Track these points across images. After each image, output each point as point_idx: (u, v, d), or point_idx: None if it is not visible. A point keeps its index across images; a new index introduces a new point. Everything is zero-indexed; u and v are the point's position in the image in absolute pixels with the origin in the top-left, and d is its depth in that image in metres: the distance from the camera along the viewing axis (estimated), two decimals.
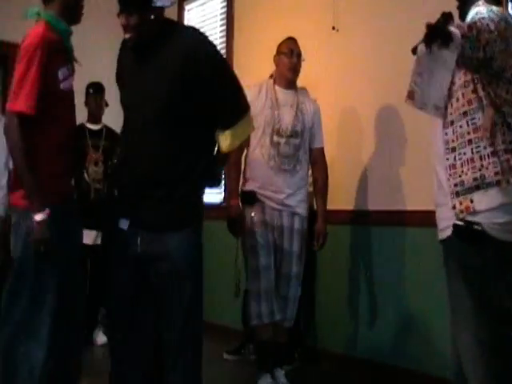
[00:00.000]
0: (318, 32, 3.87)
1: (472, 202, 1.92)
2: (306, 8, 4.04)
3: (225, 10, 4.78)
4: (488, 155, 1.93)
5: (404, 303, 3.34)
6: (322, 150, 3.30)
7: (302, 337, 3.77)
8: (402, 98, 3.33)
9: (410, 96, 2.04)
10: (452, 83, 2.01)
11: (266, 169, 3.12)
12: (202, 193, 2.23)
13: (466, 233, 1.93)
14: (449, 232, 1.98)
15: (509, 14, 2.07)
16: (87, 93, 4.29)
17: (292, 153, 3.16)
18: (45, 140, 2.26)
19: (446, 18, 1.91)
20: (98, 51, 5.28)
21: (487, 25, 1.90)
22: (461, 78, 2.00)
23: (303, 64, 3.28)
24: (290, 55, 3.21)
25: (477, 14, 1.98)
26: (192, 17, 5.23)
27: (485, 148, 1.94)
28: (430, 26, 1.88)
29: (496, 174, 1.92)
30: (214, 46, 2.19)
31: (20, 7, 4.80)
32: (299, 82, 3.30)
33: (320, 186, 3.28)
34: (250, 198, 3.14)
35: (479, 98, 1.97)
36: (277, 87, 3.24)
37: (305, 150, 3.23)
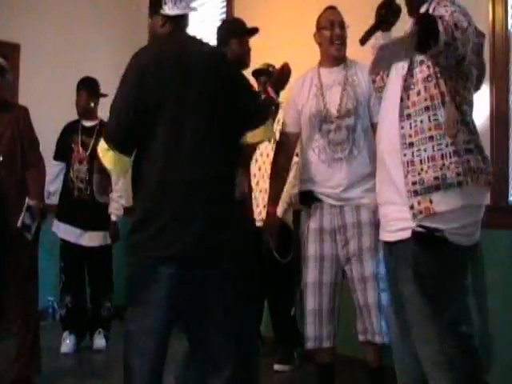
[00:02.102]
0: None
1: (431, 202, 1.83)
2: (306, 8, 4.04)
3: (225, 10, 4.78)
4: (450, 154, 1.84)
5: None
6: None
7: (301, 337, 3.76)
8: None
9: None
10: (410, 75, 1.93)
11: (318, 164, 2.75)
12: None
13: (428, 240, 1.84)
14: (403, 235, 1.89)
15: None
16: (78, 88, 4.21)
17: (345, 137, 2.71)
18: None
19: (430, 20, 1.76)
20: (98, 50, 5.28)
21: (462, 21, 1.80)
22: (423, 70, 1.91)
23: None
24: (330, 27, 2.85)
25: (439, 4, 1.87)
26: (192, 17, 5.21)
27: (446, 146, 1.84)
28: (419, 31, 1.73)
29: (458, 174, 1.83)
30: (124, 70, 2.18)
31: (20, 8, 4.79)
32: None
33: None
34: (306, 198, 2.81)
35: (442, 94, 1.88)
36: (321, 69, 2.88)
37: (364, 129, 2.74)
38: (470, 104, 1.96)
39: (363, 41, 2.11)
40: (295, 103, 2.90)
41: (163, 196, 2.09)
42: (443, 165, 1.83)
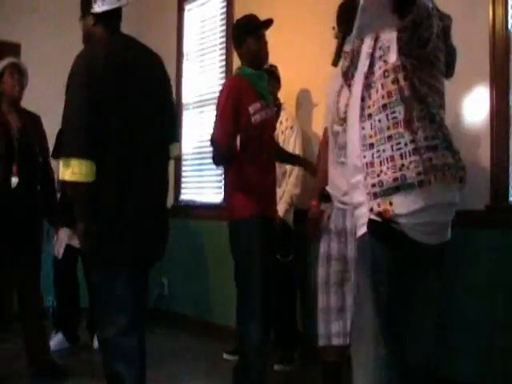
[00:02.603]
0: (318, 32, 3.87)
1: (391, 204, 1.72)
2: (306, 8, 4.04)
3: (225, 10, 4.77)
4: (409, 153, 1.73)
5: None
6: None
7: (301, 337, 3.77)
8: None
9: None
10: (371, 72, 1.83)
11: (328, 165, 2.75)
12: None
13: (381, 230, 1.74)
14: (364, 229, 1.80)
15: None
16: None
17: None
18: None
19: None
20: None
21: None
22: (381, 67, 1.80)
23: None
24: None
25: None
26: (192, 17, 5.23)
27: (406, 145, 1.73)
28: None
29: (418, 174, 1.71)
30: (70, 74, 2.19)
31: (20, 8, 4.78)
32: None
33: None
34: (322, 197, 2.80)
35: (400, 89, 1.76)
36: None
37: None
38: (439, 93, 1.85)
39: (336, 62, 2.13)
40: (326, 98, 2.86)
41: (120, 206, 2.18)
42: (402, 165, 1.73)
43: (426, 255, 1.79)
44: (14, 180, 3.24)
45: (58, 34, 5.09)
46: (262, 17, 3.48)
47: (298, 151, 3.70)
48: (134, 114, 2.21)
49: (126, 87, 2.18)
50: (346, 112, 2.57)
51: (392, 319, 1.75)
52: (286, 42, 4.09)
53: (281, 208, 3.61)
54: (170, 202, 5.21)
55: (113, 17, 2.31)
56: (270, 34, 3.38)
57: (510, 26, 2.97)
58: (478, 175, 2.98)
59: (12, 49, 4.97)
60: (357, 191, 1.86)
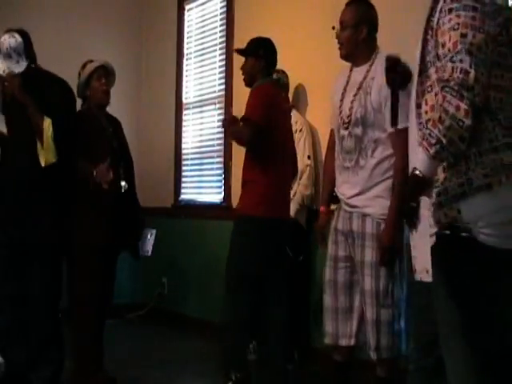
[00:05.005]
0: (318, 32, 3.87)
1: (460, 212, 1.62)
2: (306, 8, 4.04)
3: (225, 9, 4.77)
4: (474, 155, 1.64)
5: None
6: (397, 133, 2.42)
7: (301, 337, 3.76)
8: None
9: None
10: (426, 76, 1.76)
11: (335, 169, 2.74)
12: None
13: (453, 243, 1.64)
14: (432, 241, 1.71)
15: None
16: None
17: (353, 146, 2.61)
18: None
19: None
20: (98, 51, 5.27)
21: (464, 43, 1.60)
22: (437, 71, 1.72)
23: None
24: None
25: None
26: (192, 17, 5.23)
27: (469, 148, 1.63)
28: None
29: (485, 176, 1.62)
30: None
31: (20, 7, 4.79)
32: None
33: (393, 179, 2.57)
34: (331, 198, 2.81)
35: None
36: (353, 67, 2.72)
37: (374, 139, 2.57)
38: (504, 91, 1.71)
39: (394, 123, 2.18)
40: (331, 99, 2.82)
41: None
42: (468, 168, 1.63)
43: (499, 261, 1.64)
44: (124, 184, 3.21)
45: (58, 34, 5.09)
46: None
47: (307, 153, 3.71)
48: None
49: None
50: (349, 116, 2.62)
51: (482, 341, 1.63)
52: (285, 41, 4.09)
53: (292, 208, 3.59)
54: (170, 201, 5.25)
55: None
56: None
57: None
58: None
59: None
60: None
